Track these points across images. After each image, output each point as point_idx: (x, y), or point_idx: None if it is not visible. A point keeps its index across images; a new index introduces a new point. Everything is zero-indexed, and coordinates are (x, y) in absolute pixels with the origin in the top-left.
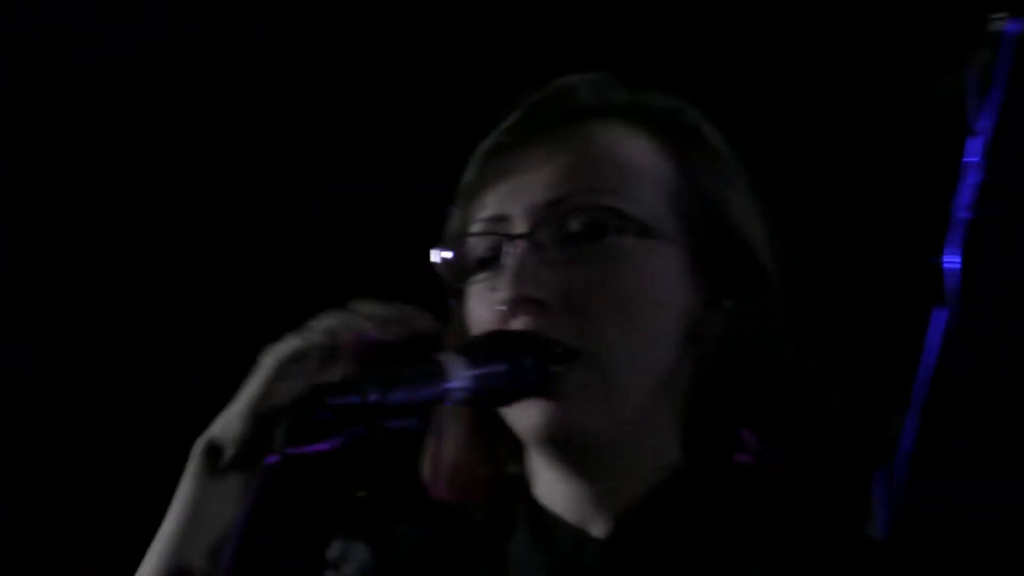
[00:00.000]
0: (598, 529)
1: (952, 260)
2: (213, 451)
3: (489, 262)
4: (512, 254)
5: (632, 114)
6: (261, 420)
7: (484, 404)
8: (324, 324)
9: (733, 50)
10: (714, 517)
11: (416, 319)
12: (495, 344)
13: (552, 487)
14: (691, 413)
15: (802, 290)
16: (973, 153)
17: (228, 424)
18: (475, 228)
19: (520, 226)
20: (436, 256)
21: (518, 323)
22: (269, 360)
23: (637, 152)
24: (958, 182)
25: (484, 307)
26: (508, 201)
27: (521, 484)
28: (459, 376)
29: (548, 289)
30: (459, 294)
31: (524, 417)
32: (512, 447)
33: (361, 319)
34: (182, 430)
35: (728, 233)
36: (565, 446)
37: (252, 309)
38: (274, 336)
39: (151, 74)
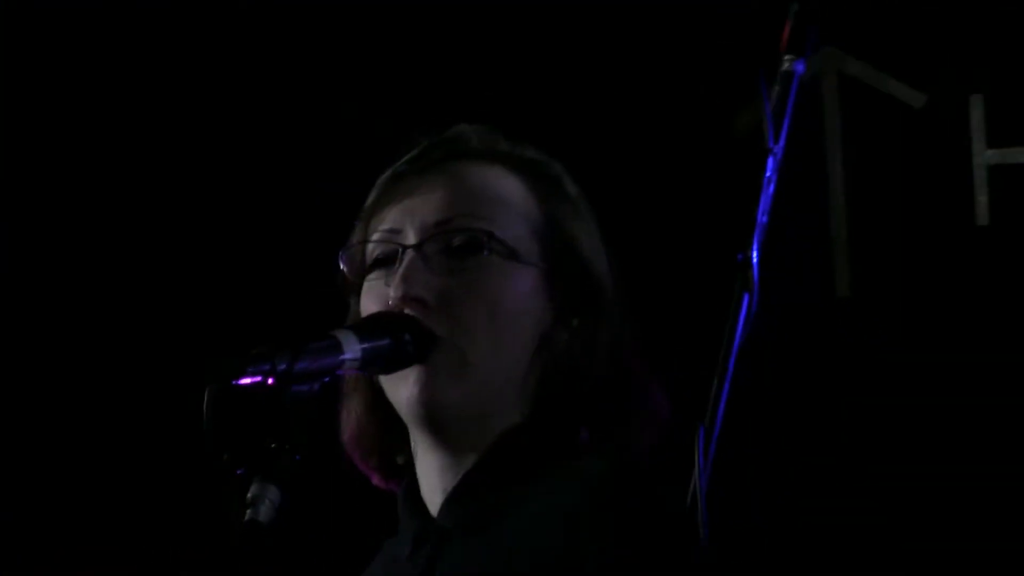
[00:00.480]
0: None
1: (754, 255)
2: None
3: (383, 264)
4: (404, 260)
5: (509, 161)
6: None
7: (371, 371)
8: None
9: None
10: (544, 486)
11: None
12: (381, 323)
13: (424, 461)
14: (537, 405)
15: (633, 308)
16: (770, 169)
17: None
18: (375, 237)
19: (412, 238)
20: (342, 258)
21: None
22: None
23: (511, 190)
24: (758, 193)
25: (374, 301)
26: (403, 218)
27: (408, 467)
28: (351, 348)
29: (430, 291)
30: (356, 290)
31: (400, 390)
32: (401, 435)
33: None
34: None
35: (578, 263)
36: (429, 417)
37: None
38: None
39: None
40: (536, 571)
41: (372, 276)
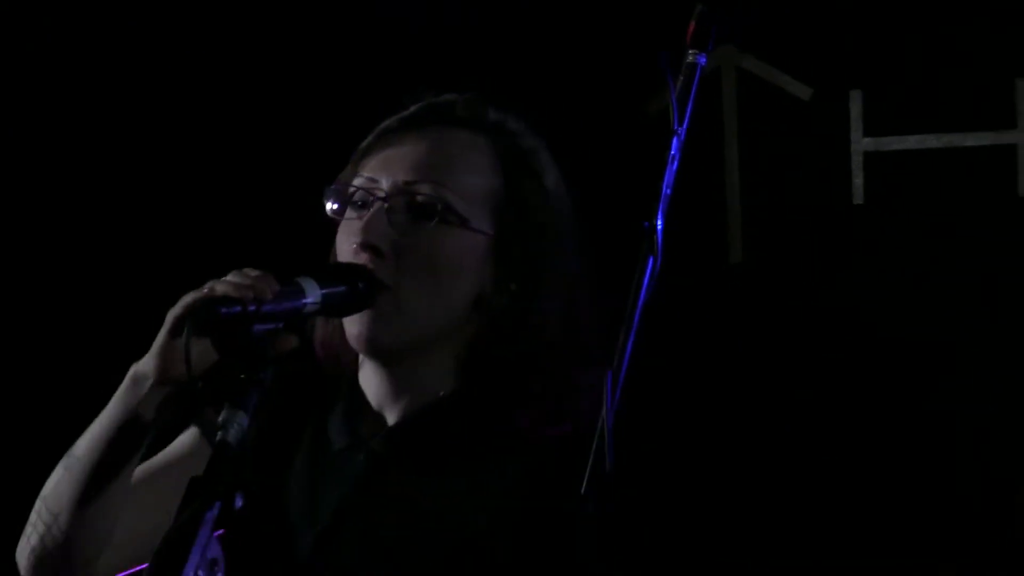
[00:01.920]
0: (391, 417)
1: (659, 223)
2: (138, 377)
3: (359, 206)
4: (371, 209)
5: (487, 131)
6: (169, 352)
7: (328, 314)
8: (210, 284)
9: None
10: (470, 424)
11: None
12: (339, 272)
13: (367, 377)
14: (469, 356)
15: (578, 280)
16: (674, 148)
17: (147, 358)
18: (356, 182)
19: (382, 191)
20: (328, 192)
21: (360, 259)
22: (173, 312)
23: (478, 160)
24: (664, 168)
25: (344, 240)
26: (382, 170)
27: (354, 369)
28: (312, 293)
29: (385, 242)
30: (336, 224)
31: (349, 327)
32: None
33: (236, 282)
34: None
35: (526, 235)
36: (373, 352)
37: None
38: None
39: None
40: (452, 534)
41: (349, 214)
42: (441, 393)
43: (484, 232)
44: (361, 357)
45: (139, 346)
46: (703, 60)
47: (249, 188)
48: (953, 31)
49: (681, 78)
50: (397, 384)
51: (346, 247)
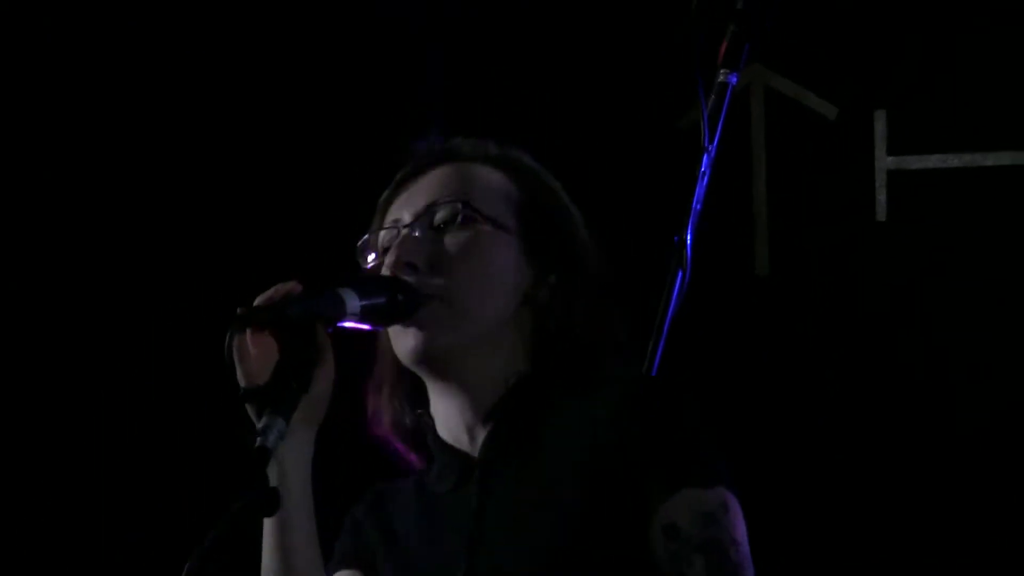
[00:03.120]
0: (477, 423)
1: (688, 237)
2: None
3: (387, 251)
4: (399, 237)
5: (494, 160)
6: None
7: (368, 323)
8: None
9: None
10: (568, 409)
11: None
12: (378, 283)
13: (439, 406)
14: (534, 349)
15: (604, 273)
16: (705, 165)
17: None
18: (382, 233)
19: (406, 223)
20: (359, 249)
21: None
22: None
23: (493, 178)
24: (694, 184)
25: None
26: (403, 209)
27: (430, 427)
28: (352, 304)
29: (419, 256)
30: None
31: (400, 344)
32: (415, 396)
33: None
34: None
35: (553, 232)
36: (428, 363)
37: None
38: None
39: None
40: (579, 479)
41: (381, 257)
42: (523, 386)
43: (513, 232)
44: (432, 403)
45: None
46: (734, 79)
47: (248, 189)
48: (976, 51)
49: (712, 96)
50: (471, 392)
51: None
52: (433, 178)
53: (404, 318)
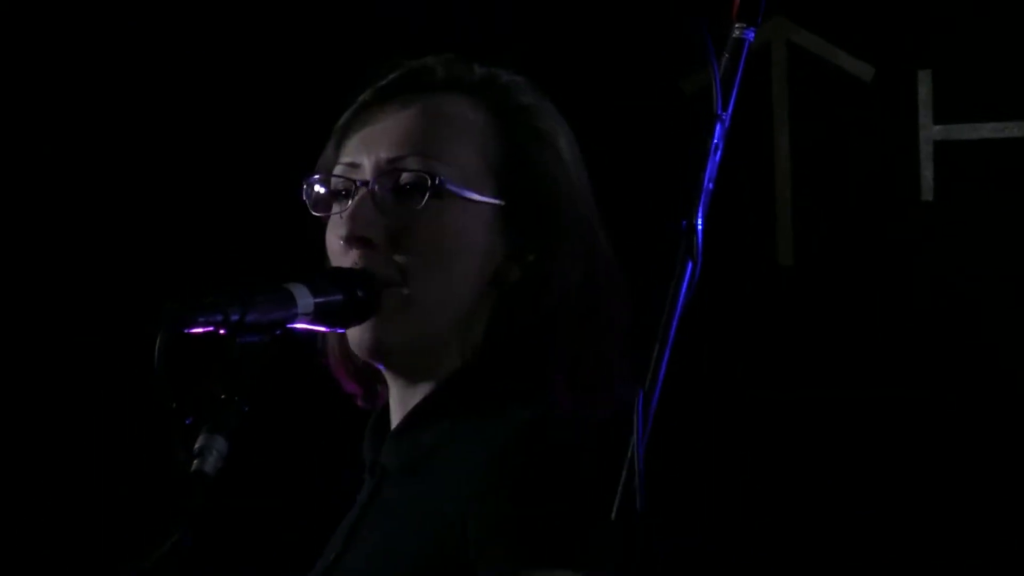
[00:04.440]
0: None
1: (699, 222)
2: None
3: (341, 198)
4: (354, 198)
5: (475, 91)
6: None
7: (323, 325)
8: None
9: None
10: (472, 428)
11: None
12: (335, 278)
13: (389, 393)
14: (485, 342)
15: (604, 259)
16: (717, 135)
17: None
18: (336, 170)
19: (366, 174)
20: (305, 189)
21: (350, 256)
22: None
23: (469, 125)
24: (705, 159)
25: (333, 239)
26: (361, 151)
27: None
28: (304, 302)
29: (375, 231)
30: (323, 222)
31: (354, 336)
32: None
33: None
34: None
35: (536, 197)
36: (386, 356)
37: None
38: None
39: None
40: (455, 509)
41: (334, 209)
42: (451, 390)
43: (487, 201)
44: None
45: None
46: (751, 35)
47: (243, 190)
48: None
49: (726, 55)
50: (413, 388)
51: (336, 246)
52: (401, 118)
53: (363, 319)
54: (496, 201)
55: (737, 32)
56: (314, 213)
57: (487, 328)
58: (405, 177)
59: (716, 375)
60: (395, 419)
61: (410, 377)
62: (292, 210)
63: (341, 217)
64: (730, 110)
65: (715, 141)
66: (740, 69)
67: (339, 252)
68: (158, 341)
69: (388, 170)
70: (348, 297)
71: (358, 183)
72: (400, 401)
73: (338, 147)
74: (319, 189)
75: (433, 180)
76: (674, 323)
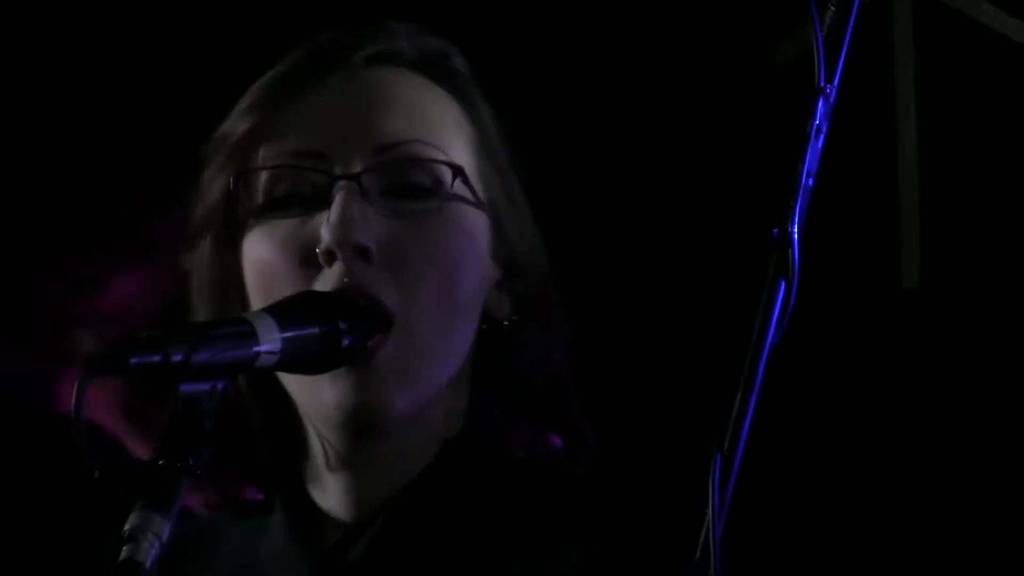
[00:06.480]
0: (368, 520)
1: (795, 230)
2: None
3: (293, 200)
4: (338, 195)
5: (444, 77)
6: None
7: (295, 369)
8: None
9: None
10: (482, 508)
11: None
12: (307, 305)
13: (330, 474)
14: (472, 397)
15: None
16: (819, 116)
17: None
18: (282, 161)
19: (346, 166)
20: (243, 183)
21: (335, 270)
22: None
23: (455, 117)
24: (803, 147)
25: (277, 249)
26: (325, 139)
27: (283, 472)
28: (269, 338)
29: (374, 238)
30: (239, 228)
31: (329, 390)
32: (275, 428)
33: None
34: None
35: (518, 214)
36: (366, 425)
37: None
38: None
39: None
40: None
41: (275, 214)
42: (450, 474)
43: (487, 214)
44: (313, 448)
45: None
46: None
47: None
48: None
49: (831, 9)
50: (384, 465)
51: (287, 265)
52: (374, 95)
53: (344, 362)
54: (491, 215)
55: None
56: (262, 218)
57: (474, 380)
58: (413, 173)
59: (817, 431)
60: (347, 500)
61: (387, 453)
62: None
63: (301, 225)
64: (835, 82)
65: (816, 122)
66: (848, 31)
67: (295, 271)
68: (75, 390)
69: (382, 162)
70: (326, 330)
71: (336, 177)
72: (358, 483)
73: (266, 130)
74: (282, 186)
75: (454, 175)
76: (762, 364)
